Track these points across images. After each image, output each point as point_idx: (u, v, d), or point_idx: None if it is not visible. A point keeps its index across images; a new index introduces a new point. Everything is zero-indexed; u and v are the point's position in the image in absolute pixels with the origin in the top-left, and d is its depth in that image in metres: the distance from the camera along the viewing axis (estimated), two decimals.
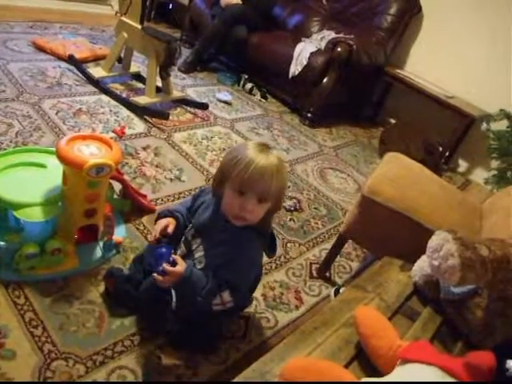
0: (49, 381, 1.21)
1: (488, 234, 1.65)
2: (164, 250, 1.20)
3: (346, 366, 1.02)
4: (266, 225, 1.34)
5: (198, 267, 1.33)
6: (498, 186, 3.02)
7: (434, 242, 1.17)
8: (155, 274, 1.19)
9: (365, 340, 1.03)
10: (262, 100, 3.62)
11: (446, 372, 0.86)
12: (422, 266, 1.34)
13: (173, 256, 1.21)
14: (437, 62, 3.66)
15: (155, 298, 1.40)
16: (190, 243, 1.38)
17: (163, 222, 1.38)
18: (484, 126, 3.25)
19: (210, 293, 1.24)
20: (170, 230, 1.36)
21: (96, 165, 1.39)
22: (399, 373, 0.92)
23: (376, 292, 1.30)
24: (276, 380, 0.93)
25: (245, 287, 1.35)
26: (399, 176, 1.84)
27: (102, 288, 1.53)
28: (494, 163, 3.21)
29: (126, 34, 2.78)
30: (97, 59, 3.18)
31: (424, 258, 1.36)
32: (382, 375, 0.95)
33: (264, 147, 1.23)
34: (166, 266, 1.17)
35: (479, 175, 3.52)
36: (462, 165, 3.69)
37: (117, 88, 2.93)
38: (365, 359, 1.04)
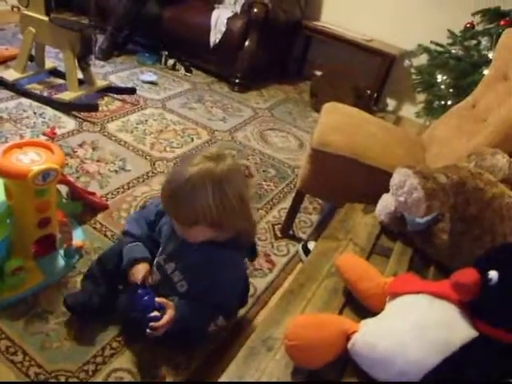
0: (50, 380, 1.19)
1: (432, 164, 1.73)
2: (146, 298, 1.21)
3: (340, 314, 1.05)
4: (243, 238, 1.27)
5: (181, 291, 1.31)
6: (429, 116, 3.15)
7: (396, 179, 1.21)
8: (147, 330, 1.20)
9: (352, 285, 1.07)
10: (187, 74, 3.53)
11: (435, 296, 0.90)
12: (385, 204, 1.39)
13: (157, 301, 1.21)
14: (351, 8, 3.69)
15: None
16: (164, 268, 1.33)
17: (140, 273, 1.30)
18: (407, 62, 3.36)
19: (203, 324, 1.29)
20: (150, 279, 1.33)
21: (41, 171, 1.31)
22: (392, 307, 0.96)
23: (347, 238, 1.35)
24: (279, 344, 0.95)
25: (235, 301, 1.38)
26: (342, 123, 1.88)
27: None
28: (421, 97, 3.33)
29: (33, 29, 2.58)
30: (5, 61, 2.94)
31: (385, 197, 1.42)
32: (375, 314, 0.99)
33: (202, 158, 1.11)
34: (155, 324, 1.19)
35: (409, 110, 3.64)
36: (391, 103, 3.81)
37: (35, 88, 2.74)
38: (355, 303, 1.08)
